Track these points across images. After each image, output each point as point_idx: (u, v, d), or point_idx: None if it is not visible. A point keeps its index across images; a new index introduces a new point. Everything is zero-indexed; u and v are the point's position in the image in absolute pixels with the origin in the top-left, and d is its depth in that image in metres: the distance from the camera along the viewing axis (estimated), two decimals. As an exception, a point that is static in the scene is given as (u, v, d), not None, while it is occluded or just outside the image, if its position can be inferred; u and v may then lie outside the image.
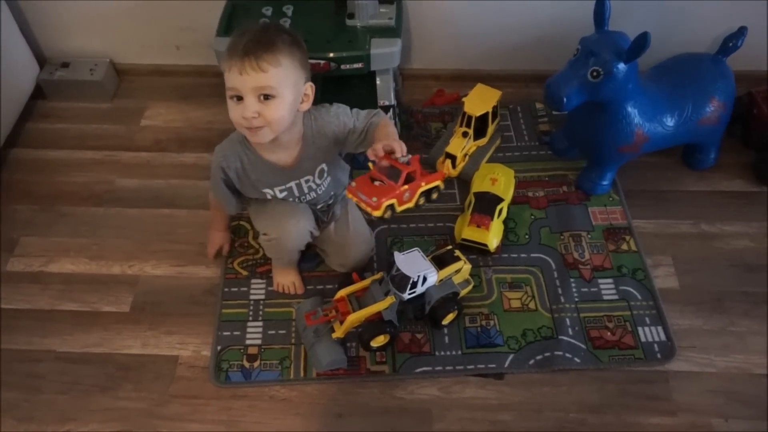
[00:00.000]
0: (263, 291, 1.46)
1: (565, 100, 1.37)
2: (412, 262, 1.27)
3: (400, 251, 1.28)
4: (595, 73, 1.34)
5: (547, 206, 1.60)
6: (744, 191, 1.63)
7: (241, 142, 1.24)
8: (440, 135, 1.74)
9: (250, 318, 1.41)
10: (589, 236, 1.55)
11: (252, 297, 1.45)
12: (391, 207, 1.18)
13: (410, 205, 1.22)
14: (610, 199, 1.62)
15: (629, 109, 1.43)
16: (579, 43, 1.38)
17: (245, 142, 1.24)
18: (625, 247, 1.53)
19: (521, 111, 1.82)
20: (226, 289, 1.45)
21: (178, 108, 1.86)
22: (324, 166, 1.29)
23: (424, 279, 1.27)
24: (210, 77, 1.89)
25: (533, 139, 1.75)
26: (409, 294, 1.28)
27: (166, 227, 1.57)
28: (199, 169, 1.68)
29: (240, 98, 1.11)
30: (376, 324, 1.30)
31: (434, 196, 1.27)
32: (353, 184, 1.17)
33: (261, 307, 1.43)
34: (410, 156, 1.16)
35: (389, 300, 1.28)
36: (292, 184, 1.29)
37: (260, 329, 1.39)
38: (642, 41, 1.27)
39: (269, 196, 1.31)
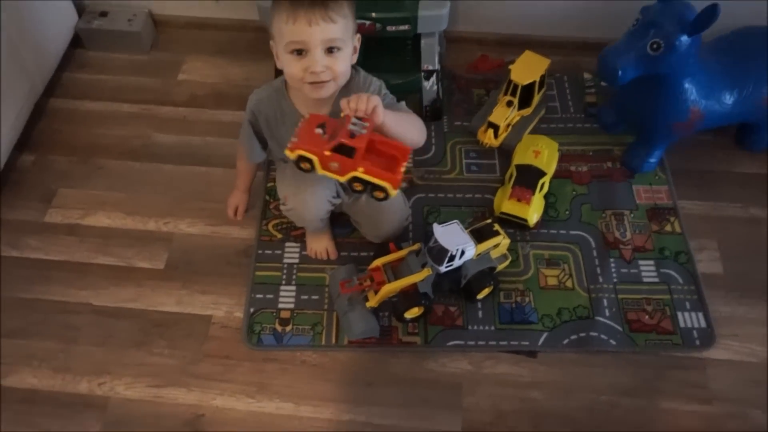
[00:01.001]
0: (297, 255, 1.45)
1: (620, 72, 1.30)
2: (451, 235, 1.25)
3: (437, 222, 1.25)
4: (654, 45, 1.27)
5: (590, 182, 1.55)
6: (799, 176, 1.56)
7: (279, 90, 1.21)
8: (483, 102, 1.68)
9: (283, 282, 1.40)
10: (632, 215, 1.50)
11: (285, 261, 1.44)
12: (311, 162, 1.05)
13: (339, 178, 1.06)
14: (657, 177, 1.56)
15: (686, 84, 1.36)
16: (640, 12, 1.30)
17: (283, 90, 1.21)
18: (669, 228, 1.48)
19: (568, 81, 1.75)
20: (259, 252, 1.45)
21: (216, 63, 1.83)
22: None
23: (462, 252, 1.25)
24: (249, 32, 1.85)
25: (579, 111, 1.69)
26: (446, 267, 1.26)
27: (201, 185, 1.56)
28: (236, 127, 1.61)
29: (300, 52, 1.07)
30: (411, 295, 1.28)
31: (379, 195, 1.09)
32: (306, 115, 1.07)
33: (294, 271, 1.42)
34: (366, 126, 1.01)
35: (426, 272, 1.26)
36: None
37: (293, 293, 1.39)
38: (710, 13, 1.19)
39: None
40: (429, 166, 1.58)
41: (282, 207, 1.34)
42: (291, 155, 1.03)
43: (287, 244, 1.46)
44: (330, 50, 1.07)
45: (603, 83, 1.70)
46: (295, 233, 1.47)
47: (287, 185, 1.31)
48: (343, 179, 1.07)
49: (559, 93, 1.72)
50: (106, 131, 1.68)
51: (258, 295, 1.38)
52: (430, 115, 1.64)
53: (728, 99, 1.41)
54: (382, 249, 1.35)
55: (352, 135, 1.01)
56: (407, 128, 1.15)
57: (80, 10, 1.85)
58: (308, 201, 1.28)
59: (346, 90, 1.18)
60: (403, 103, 1.23)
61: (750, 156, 1.59)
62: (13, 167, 1.59)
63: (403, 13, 1.42)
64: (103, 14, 1.84)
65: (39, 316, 1.37)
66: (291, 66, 1.09)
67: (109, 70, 1.82)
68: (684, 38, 1.26)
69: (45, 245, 1.47)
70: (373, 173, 1.04)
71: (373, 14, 1.41)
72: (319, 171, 1.05)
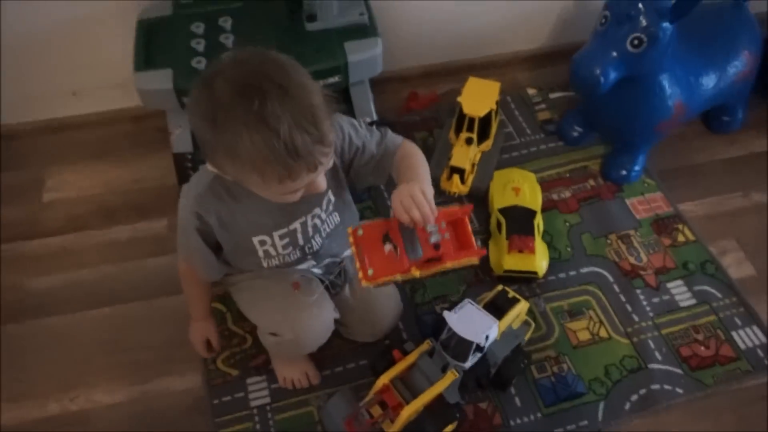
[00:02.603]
0: (266, 391, 1.09)
1: (602, 79, 1.11)
2: (468, 320, 0.97)
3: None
4: (635, 41, 1.09)
5: (579, 208, 1.34)
6: (782, 148, 1.44)
7: (218, 178, 0.86)
8: (430, 147, 1.42)
9: (259, 434, 1.04)
10: (639, 234, 1.29)
11: (253, 403, 1.08)
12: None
13: (416, 275, 0.88)
14: (645, 185, 1.37)
15: (666, 79, 1.19)
16: (605, 8, 1.12)
17: (225, 178, 0.85)
18: (681, 238, 1.29)
19: (513, 101, 1.54)
20: (215, 401, 1.07)
21: (91, 170, 1.44)
22: (331, 196, 0.95)
23: (486, 338, 0.97)
24: (125, 123, 1.49)
25: (536, 132, 1.48)
26: (472, 361, 0.97)
27: (111, 333, 1.17)
28: (139, 243, 1.29)
29: None
30: (440, 412, 0.97)
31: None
32: (360, 231, 0.86)
33: (269, 414, 1.06)
34: (438, 228, 0.85)
35: (450, 376, 0.96)
36: (297, 224, 0.93)
37: (277, 449, 1.03)
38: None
39: (261, 252, 0.94)
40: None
41: (270, 339, 1.00)
42: (368, 284, 0.85)
43: (249, 380, 1.10)
44: None
45: (572, 93, 1.50)
46: (256, 363, 1.12)
47: (276, 311, 0.97)
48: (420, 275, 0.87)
49: (508, 116, 1.51)
50: (-39, 294, 1.24)
51: (231, 469, 1.01)
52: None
53: (707, 84, 1.26)
54: (381, 358, 1.03)
55: (436, 247, 0.85)
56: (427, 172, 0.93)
57: None
58: (313, 326, 0.98)
59: None
60: (387, 130, 0.97)
61: (726, 139, 1.46)
62: None
63: (329, 63, 1.15)
64: (-75, 142, 1.42)
65: None
66: (261, 192, 0.83)
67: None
68: (666, 26, 1.08)
69: None
70: (460, 256, 0.86)
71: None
72: (399, 278, 0.87)
